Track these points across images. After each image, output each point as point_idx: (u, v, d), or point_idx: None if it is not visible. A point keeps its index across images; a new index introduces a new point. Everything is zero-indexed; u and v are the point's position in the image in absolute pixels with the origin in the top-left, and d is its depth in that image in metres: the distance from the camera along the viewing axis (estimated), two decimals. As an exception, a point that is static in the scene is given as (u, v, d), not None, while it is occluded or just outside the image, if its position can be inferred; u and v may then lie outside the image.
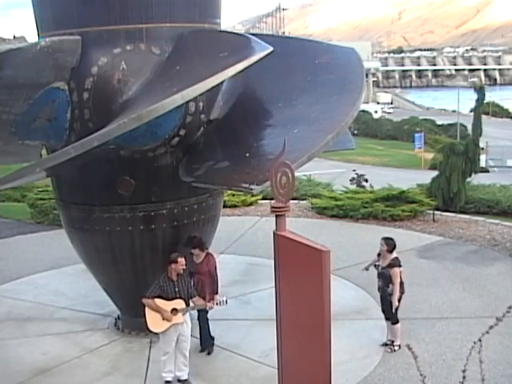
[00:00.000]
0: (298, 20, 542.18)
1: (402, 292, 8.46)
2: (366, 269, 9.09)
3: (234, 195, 17.19)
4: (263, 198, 17.71)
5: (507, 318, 4.57)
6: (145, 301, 7.66)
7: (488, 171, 35.31)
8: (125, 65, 7.57)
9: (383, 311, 8.71)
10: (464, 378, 4.40)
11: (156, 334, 7.88)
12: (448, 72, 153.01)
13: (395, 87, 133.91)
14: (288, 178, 5.48)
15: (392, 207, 15.84)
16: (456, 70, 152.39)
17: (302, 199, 18.11)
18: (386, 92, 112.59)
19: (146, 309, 7.66)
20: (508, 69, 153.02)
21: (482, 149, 29.93)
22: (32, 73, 7.25)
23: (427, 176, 19.19)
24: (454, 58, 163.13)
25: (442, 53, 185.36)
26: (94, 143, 6.36)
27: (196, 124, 8.18)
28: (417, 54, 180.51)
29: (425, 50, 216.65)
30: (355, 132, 51.95)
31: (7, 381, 8.04)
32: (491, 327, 4.41)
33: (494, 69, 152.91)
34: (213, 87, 6.59)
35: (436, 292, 10.64)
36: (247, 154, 7.36)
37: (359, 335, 9.07)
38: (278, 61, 7.76)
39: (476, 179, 19.06)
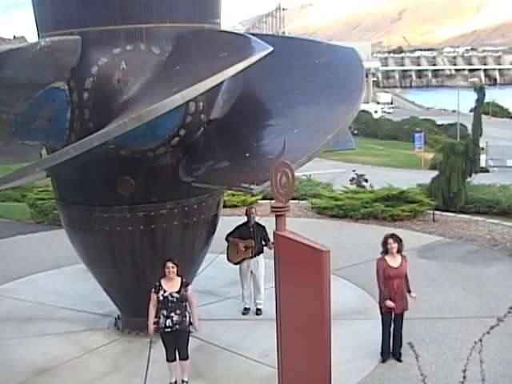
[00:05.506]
0: (298, 20, 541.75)
1: None
2: None
3: (234, 195, 17.17)
4: (263, 198, 17.69)
5: (507, 317, 4.58)
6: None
7: (488, 171, 35.26)
8: (125, 65, 7.57)
9: None
10: (464, 377, 4.40)
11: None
12: (448, 72, 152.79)
13: (395, 87, 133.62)
14: (288, 178, 5.47)
15: (392, 207, 15.84)
16: (456, 70, 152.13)
17: (302, 199, 18.10)
18: (386, 92, 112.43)
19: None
20: (508, 69, 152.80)
21: (482, 149, 29.92)
22: (32, 73, 7.25)
23: (427, 176, 19.18)
24: (454, 57, 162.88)
25: (442, 53, 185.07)
26: (94, 143, 6.36)
27: (196, 124, 8.17)
28: (417, 53, 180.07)
29: (425, 49, 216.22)
30: (355, 132, 51.90)
31: (7, 381, 8.04)
32: (492, 327, 4.41)
33: (493, 69, 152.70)
34: (213, 87, 6.59)
35: (436, 292, 10.64)
36: (247, 154, 7.35)
37: (359, 335, 9.07)
38: (278, 61, 7.76)
39: (476, 179, 19.04)
